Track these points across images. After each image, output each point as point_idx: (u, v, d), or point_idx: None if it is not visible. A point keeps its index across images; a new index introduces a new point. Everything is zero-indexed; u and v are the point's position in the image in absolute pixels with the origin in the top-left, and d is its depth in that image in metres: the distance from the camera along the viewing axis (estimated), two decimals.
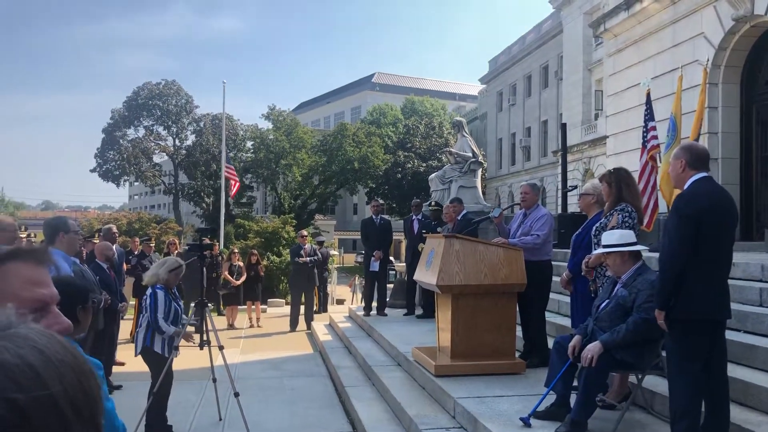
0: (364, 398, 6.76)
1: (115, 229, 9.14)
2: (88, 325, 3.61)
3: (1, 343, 0.67)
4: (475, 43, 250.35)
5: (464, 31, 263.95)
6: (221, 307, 13.78)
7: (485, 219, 7.85)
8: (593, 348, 4.18)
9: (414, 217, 10.78)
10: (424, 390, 6.26)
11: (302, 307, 13.02)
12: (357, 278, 28.36)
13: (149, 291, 5.78)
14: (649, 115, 9.24)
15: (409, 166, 45.88)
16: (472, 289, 5.94)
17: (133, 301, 10.66)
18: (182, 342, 5.84)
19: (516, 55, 45.63)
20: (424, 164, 45.05)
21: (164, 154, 52.20)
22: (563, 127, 14.80)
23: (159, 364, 5.66)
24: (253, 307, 13.40)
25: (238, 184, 23.00)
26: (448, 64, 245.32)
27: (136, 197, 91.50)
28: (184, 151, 50.48)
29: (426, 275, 6.34)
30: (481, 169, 13.43)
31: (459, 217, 8.98)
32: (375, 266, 10.79)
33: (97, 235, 9.90)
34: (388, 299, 11.58)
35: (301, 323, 12.72)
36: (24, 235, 8.50)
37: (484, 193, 20.78)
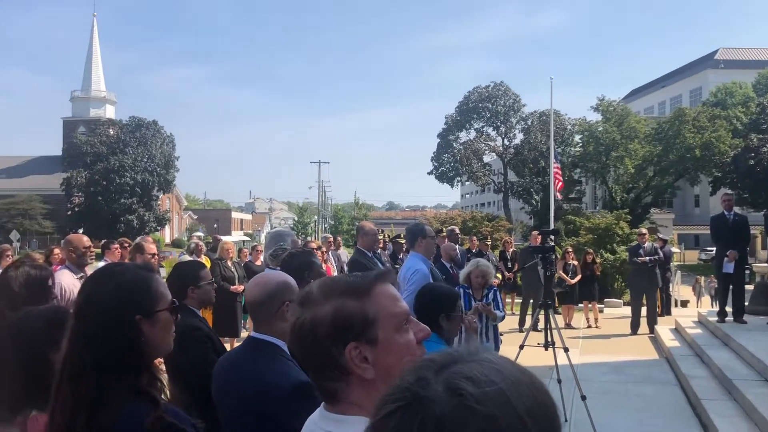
0: (725, 414, 6.14)
1: (457, 230, 9.77)
2: (457, 331, 3.93)
3: (475, 367, 0.77)
4: None
5: None
6: (557, 305, 13.77)
7: None
8: None
9: None
10: None
11: (643, 309, 12.32)
12: (702, 279, 25.86)
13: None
14: None
15: (765, 150, 40.10)
16: None
17: None
18: (527, 341, 6.00)
19: None
20: None
21: (494, 153, 54.14)
22: None
23: None
24: (589, 306, 13.13)
25: (561, 183, 22.75)
26: None
27: (467, 196, 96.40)
28: (512, 150, 51.70)
29: None
30: None
31: None
32: (729, 268, 9.71)
33: (440, 235, 10.70)
34: (746, 304, 10.32)
35: (643, 326, 12.05)
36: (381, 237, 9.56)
37: None
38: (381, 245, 9.86)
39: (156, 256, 6.27)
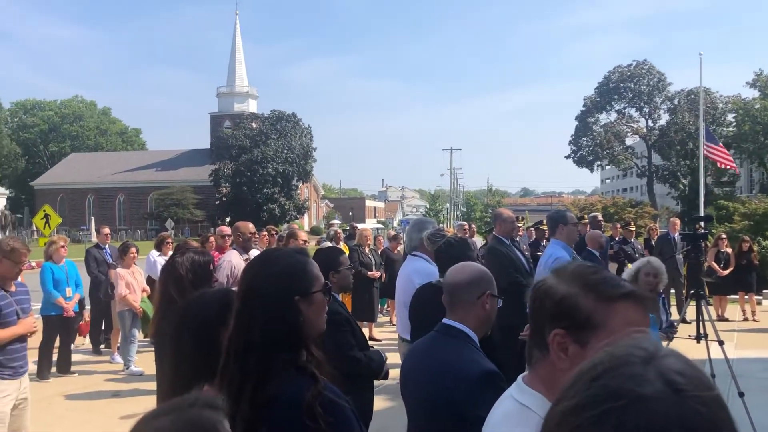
0: None
1: (600, 217, 9.37)
2: None
3: (674, 361, 0.72)
4: None
5: None
6: (708, 296, 12.87)
7: None
8: None
9: None
10: None
11: None
12: None
13: None
14: None
15: None
16: None
17: None
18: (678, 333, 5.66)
19: None
20: None
21: (637, 136, 51.40)
22: None
23: None
24: (746, 297, 12.16)
25: (726, 162, 20.82)
26: None
27: (607, 181, 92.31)
28: (657, 132, 48.86)
29: None
30: None
31: None
32: None
33: (582, 222, 10.30)
34: None
35: None
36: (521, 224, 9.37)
37: None
38: (519, 232, 9.69)
39: (306, 243, 6.63)
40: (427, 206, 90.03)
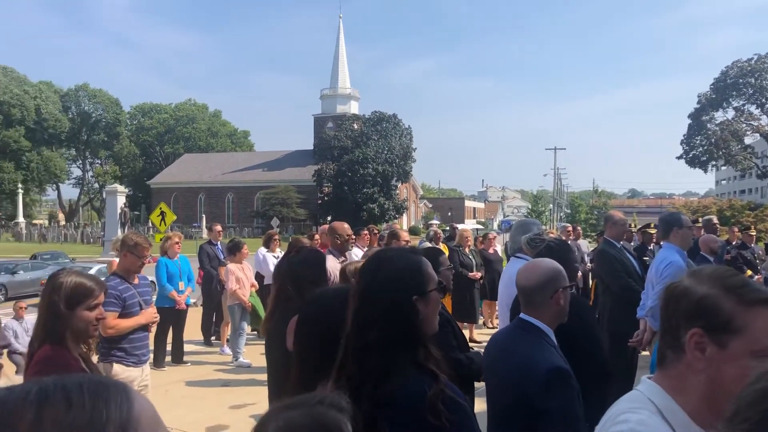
0: None
1: (715, 220, 8.87)
2: None
3: None
4: None
5: None
6: None
7: None
8: None
9: None
10: None
11: None
12: None
13: None
14: None
15: None
16: None
17: None
18: None
19: None
20: None
21: (757, 134, 48.17)
22: None
23: None
24: None
25: None
26: None
27: (723, 182, 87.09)
28: None
29: None
30: None
31: None
32: None
33: (696, 225, 9.77)
34: None
35: None
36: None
37: None
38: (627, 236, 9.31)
39: (409, 243, 6.61)
40: (529, 207, 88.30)
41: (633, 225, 15.94)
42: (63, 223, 68.45)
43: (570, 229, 12.32)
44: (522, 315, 2.54)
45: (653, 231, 9.17)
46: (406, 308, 1.73)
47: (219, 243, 10.31)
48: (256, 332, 10.11)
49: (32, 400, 0.61)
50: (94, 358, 3.28)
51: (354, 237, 6.69)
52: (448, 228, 16.69)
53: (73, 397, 0.62)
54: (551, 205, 73.32)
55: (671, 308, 1.31)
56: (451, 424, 1.59)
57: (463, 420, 1.66)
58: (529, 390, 2.24)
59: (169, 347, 8.63)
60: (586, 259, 10.99)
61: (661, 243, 5.38)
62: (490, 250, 11.47)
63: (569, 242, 11.76)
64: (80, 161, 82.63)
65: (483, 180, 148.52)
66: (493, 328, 10.88)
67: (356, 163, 57.25)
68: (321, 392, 1.25)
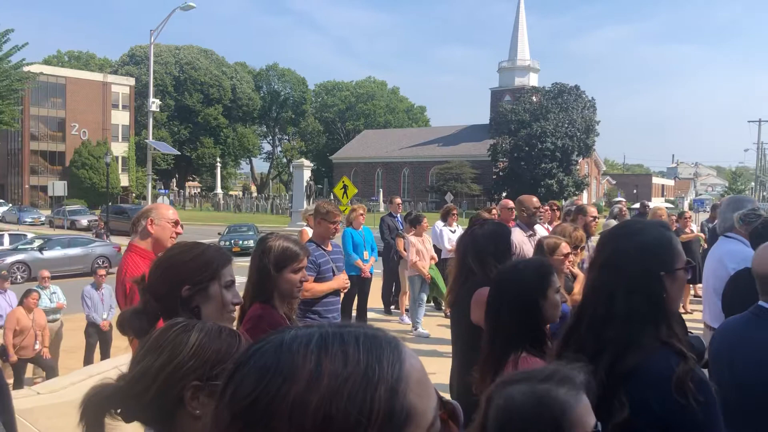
0: None
1: None
2: None
3: None
4: None
5: None
6: None
7: None
8: None
9: None
10: None
11: None
12: None
13: None
14: None
15: None
16: None
17: None
18: None
19: None
20: None
21: None
22: None
23: None
24: None
25: None
26: None
27: None
28: None
29: None
30: None
31: None
32: None
33: None
34: None
35: None
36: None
37: None
38: None
39: (596, 220, 6.31)
40: (726, 185, 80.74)
41: None
42: (255, 194, 74.19)
43: None
44: (761, 302, 2.33)
45: None
46: (651, 283, 1.65)
47: (399, 215, 10.59)
48: (433, 303, 10.27)
49: (313, 350, 0.61)
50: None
51: (541, 210, 6.53)
52: (636, 206, 15.71)
53: (350, 351, 0.62)
54: (753, 183, 66.42)
55: None
56: (698, 404, 1.50)
57: (710, 402, 1.55)
58: None
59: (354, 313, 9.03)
60: None
61: None
62: (687, 230, 10.64)
63: None
64: (270, 137, 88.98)
65: (673, 155, 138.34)
66: (685, 313, 10.12)
67: (534, 137, 55.74)
68: (553, 366, 1.19)
